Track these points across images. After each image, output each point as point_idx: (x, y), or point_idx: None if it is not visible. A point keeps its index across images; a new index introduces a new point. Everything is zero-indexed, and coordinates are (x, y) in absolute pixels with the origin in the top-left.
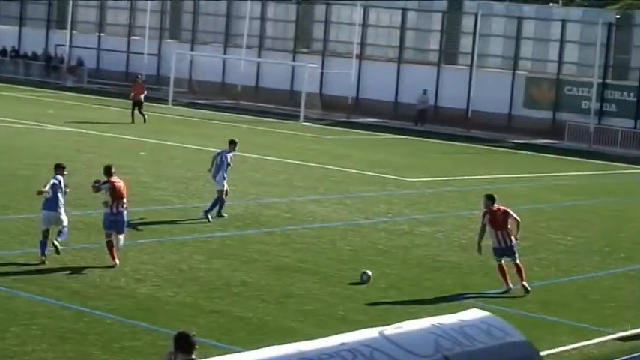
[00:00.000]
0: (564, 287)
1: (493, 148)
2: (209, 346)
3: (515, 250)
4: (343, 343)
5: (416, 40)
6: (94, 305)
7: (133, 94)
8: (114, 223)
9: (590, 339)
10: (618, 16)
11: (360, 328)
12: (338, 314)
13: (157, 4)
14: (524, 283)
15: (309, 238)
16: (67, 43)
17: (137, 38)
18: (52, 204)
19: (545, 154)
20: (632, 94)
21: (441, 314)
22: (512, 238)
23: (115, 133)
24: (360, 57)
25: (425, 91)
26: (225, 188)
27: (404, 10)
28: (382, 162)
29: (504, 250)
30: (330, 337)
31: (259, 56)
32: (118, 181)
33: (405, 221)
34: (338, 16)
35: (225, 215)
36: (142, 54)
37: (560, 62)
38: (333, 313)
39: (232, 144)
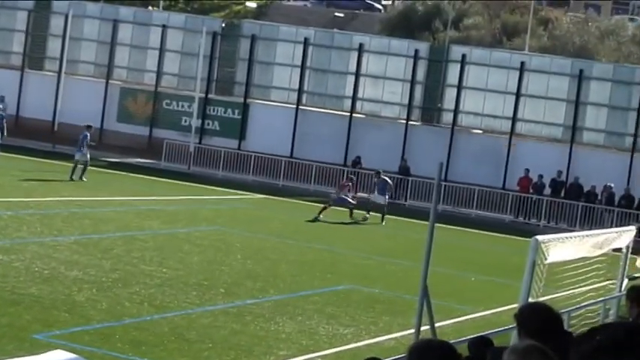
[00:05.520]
0: (158, 325)
1: None
2: None
3: None
4: None
5: None
6: None
7: None
8: None
9: None
10: (224, 25)
11: None
12: None
13: None
14: None
15: None
16: None
17: None
18: None
19: (140, 175)
20: (237, 111)
21: (23, 356)
22: None
23: None
24: None
25: (2, 98)
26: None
27: None
28: None
29: None
30: None
31: None
32: None
33: None
34: None
35: None
36: None
37: (159, 73)
38: None
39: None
